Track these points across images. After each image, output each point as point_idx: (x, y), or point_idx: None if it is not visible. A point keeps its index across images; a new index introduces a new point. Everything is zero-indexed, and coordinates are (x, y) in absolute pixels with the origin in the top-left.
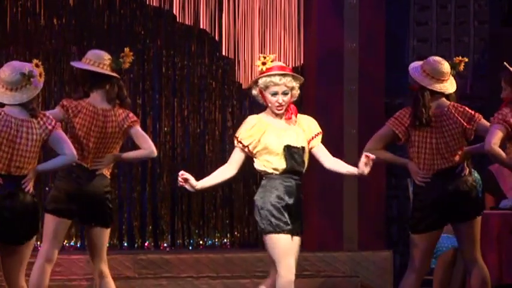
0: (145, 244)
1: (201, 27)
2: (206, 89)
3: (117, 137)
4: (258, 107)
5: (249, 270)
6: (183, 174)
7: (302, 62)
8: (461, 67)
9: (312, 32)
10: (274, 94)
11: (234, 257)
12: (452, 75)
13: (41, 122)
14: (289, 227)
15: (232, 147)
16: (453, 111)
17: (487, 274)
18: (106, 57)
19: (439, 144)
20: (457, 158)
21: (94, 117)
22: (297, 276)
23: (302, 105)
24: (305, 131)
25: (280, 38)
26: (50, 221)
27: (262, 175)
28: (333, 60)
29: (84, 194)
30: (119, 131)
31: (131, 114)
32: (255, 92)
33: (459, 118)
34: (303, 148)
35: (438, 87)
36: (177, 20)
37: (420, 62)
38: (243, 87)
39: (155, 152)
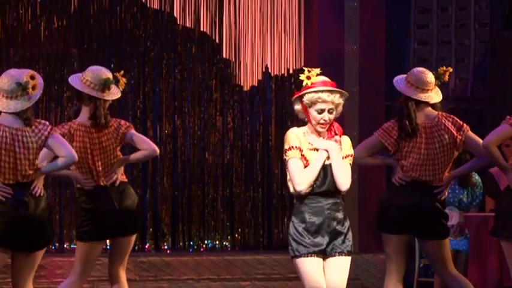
0: (146, 246)
1: (202, 29)
2: (207, 91)
3: (116, 147)
4: (259, 109)
5: (250, 273)
6: None
7: (302, 64)
8: (446, 77)
9: (313, 35)
10: (320, 112)
11: (234, 260)
12: (437, 86)
13: (36, 130)
14: (310, 250)
15: (232, 150)
16: (443, 120)
17: (468, 284)
18: (103, 76)
19: (429, 155)
20: (439, 175)
21: (89, 136)
22: (297, 278)
23: None
24: (342, 151)
25: (280, 40)
26: (86, 248)
27: (294, 197)
28: (334, 63)
29: (120, 209)
30: (115, 141)
31: (123, 122)
32: (298, 107)
33: (450, 128)
34: None
35: (423, 96)
36: (178, 22)
37: (405, 75)
38: (244, 89)
39: (157, 150)
